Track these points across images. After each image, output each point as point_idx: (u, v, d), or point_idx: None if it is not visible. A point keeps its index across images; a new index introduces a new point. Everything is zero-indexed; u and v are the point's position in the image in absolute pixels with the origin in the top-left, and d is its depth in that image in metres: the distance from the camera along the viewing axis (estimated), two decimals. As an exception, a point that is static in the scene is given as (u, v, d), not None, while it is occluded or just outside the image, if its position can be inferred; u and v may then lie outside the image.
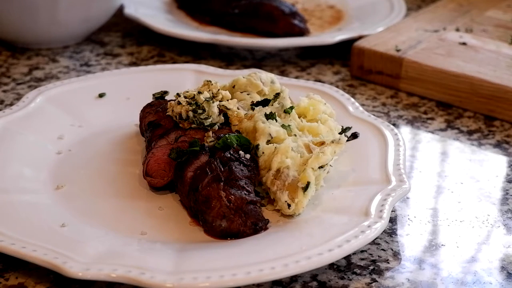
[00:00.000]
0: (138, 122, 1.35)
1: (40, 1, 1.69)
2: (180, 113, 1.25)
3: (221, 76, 1.49)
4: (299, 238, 1.07)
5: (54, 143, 1.33)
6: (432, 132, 1.48)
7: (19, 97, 1.57)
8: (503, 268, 1.10)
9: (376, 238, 1.11)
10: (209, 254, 1.04)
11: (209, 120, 1.24)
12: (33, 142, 1.31)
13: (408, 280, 1.07)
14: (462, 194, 1.27)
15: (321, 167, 1.15)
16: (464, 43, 1.71)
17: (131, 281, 0.98)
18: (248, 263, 1.00)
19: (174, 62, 1.76)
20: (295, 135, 1.23)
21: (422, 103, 1.59)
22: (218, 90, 1.28)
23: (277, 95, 1.31)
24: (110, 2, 1.81)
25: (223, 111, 1.26)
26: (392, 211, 1.16)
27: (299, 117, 1.28)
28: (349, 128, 1.34)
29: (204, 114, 1.24)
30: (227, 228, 1.09)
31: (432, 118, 1.53)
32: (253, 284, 1.04)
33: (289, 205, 1.13)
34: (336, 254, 1.02)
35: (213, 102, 1.25)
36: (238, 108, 1.28)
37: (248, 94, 1.32)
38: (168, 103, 1.29)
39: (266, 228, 1.11)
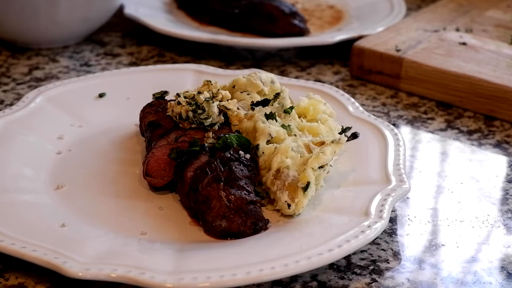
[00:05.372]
0: (138, 122, 1.35)
1: (40, 1, 1.69)
2: (180, 113, 1.25)
3: (221, 76, 1.48)
4: (299, 238, 1.07)
5: (54, 143, 1.33)
6: (432, 132, 1.48)
7: (19, 97, 1.57)
8: (503, 268, 1.10)
9: (376, 238, 1.11)
10: (209, 254, 1.04)
11: (209, 120, 1.24)
12: (33, 142, 1.31)
13: (408, 280, 1.07)
14: (462, 194, 1.27)
15: (321, 167, 1.15)
16: (464, 43, 1.70)
17: (131, 281, 0.98)
18: (248, 263, 1.00)
19: (174, 62, 1.76)
20: (295, 135, 1.23)
21: (422, 103, 1.59)
22: (218, 90, 1.28)
23: (277, 95, 1.31)
24: (110, 2, 1.81)
25: (223, 111, 1.26)
26: (392, 211, 1.16)
27: (299, 117, 1.28)
28: (349, 128, 1.34)
29: (204, 114, 1.24)
30: (227, 228, 1.09)
31: (432, 118, 1.53)
32: (253, 284, 1.04)
33: (289, 205, 1.13)
34: (336, 254, 1.02)
35: (213, 102, 1.25)
36: (238, 108, 1.28)
37: (248, 94, 1.31)
38: (168, 103, 1.29)
39: (266, 228, 1.11)
